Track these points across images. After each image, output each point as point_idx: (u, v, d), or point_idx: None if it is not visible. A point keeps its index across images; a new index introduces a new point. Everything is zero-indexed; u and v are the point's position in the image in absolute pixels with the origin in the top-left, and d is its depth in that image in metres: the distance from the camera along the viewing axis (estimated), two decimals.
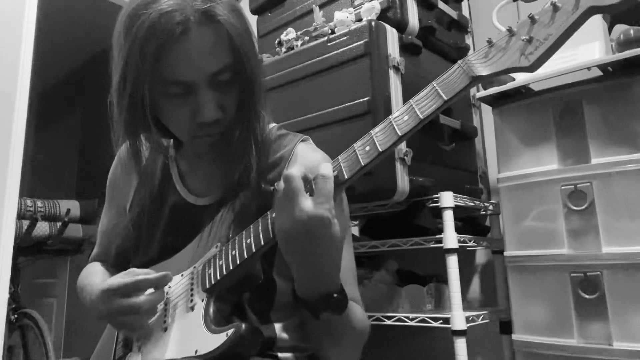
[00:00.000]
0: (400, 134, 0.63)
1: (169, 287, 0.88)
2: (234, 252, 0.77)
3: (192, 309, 0.81)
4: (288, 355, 0.90)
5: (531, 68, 0.56)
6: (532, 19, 0.56)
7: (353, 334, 0.84)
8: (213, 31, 0.77)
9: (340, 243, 0.70)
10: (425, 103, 0.62)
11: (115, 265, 1.07)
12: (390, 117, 0.65)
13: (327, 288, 0.73)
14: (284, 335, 0.90)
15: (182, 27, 0.75)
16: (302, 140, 0.96)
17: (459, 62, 0.62)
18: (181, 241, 0.92)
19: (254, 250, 0.75)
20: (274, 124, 1.01)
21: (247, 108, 0.85)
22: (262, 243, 0.74)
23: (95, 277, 1.00)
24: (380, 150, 0.64)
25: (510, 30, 0.59)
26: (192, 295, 0.82)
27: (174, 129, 0.88)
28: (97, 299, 0.83)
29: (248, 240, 0.76)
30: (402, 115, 0.64)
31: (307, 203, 0.66)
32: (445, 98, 0.61)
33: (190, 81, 0.79)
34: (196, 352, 0.75)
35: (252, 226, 0.77)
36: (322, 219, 0.66)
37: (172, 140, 1.01)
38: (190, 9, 0.75)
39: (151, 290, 0.82)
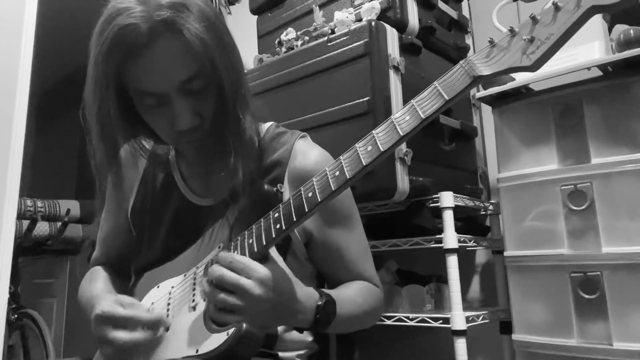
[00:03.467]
0: (402, 134, 0.63)
1: (172, 287, 0.88)
2: (236, 253, 0.78)
3: (193, 308, 0.81)
4: (289, 354, 0.90)
5: (533, 67, 0.57)
6: (533, 19, 0.57)
7: (358, 318, 0.89)
8: (177, 40, 0.77)
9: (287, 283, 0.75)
10: (427, 103, 0.63)
11: (116, 269, 1.07)
12: (392, 117, 0.65)
13: (308, 315, 0.77)
14: (286, 334, 0.90)
15: (146, 38, 0.75)
16: (301, 137, 0.97)
17: (461, 62, 0.62)
18: (184, 242, 0.92)
19: (255, 250, 0.75)
20: (272, 122, 1.01)
21: (222, 113, 0.85)
22: (264, 243, 0.74)
23: (96, 287, 0.99)
24: (382, 149, 0.64)
25: (512, 30, 0.59)
26: (194, 295, 0.83)
27: (160, 136, 0.89)
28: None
29: (250, 241, 0.76)
30: (404, 115, 0.64)
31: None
32: (447, 98, 0.61)
33: (161, 92, 0.79)
34: (197, 351, 0.76)
35: (254, 227, 0.77)
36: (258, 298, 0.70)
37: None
38: (152, 20, 0.75)
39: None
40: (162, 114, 0.82)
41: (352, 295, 0.89)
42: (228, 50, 0.84)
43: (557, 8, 0.55)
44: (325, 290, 0.82)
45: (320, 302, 0.78)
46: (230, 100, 0.83)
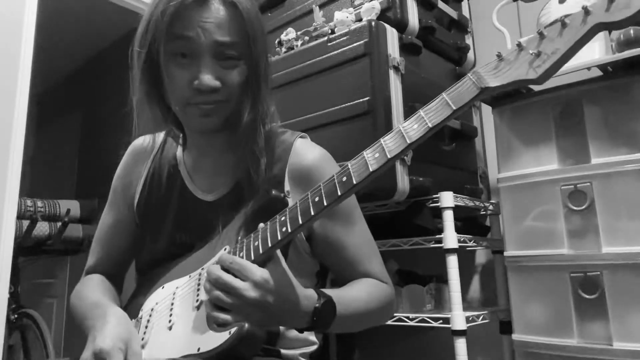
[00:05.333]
0: (409, 142, 0.65)
1: (177, 287, 0.88)
2: (241, 254, 0.78)
3: (197, 308, 0.82)
4: (291, 352, 0.91)
5: (538, 80, 0.58)
6: (540, 34, 0.59)
7: (365, 316, 0.89)
8: (231, 12, 0.86)
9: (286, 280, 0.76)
10: (434, 113, 0.64)
11: (115, 271, 1.06)
12: (399, 125, 0.67)
13: (305, 314, 0.77)
14: (288, 332, 0.91)
15: None
16: (300, 137, 0.98)
17: (469, 74, 0.64)
18: (191, 238, 0.93)
19: (261, 252, 0.75)
20: (274, 123, 1.02)
21: (252, 89, 0.90)
22: (270, 245, 0.74)
23: (95, 294, 0.96)
24: (389, 157, 0.65)
25: (519, 45, 0.61)
26: (198, 295, 0.83)
27: (173, 94, 0.90)
28: None
29: (256, 243, 0.77)
30: (412, 123, 0.66)
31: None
32: (454, 108, 0.63)
33: (196, 38, 0.84)
34: (198, 349, 0.76)
35: (260, 229, 0.78)
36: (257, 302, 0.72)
37: (180, 139, 1.02)
38: None
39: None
40: (188, 67, 0.86)
41: (356, 294, 0.89)
42: (266, 39, 0.93)
43: (564, 25, 0.57)
44: (326, 291, 0.82)
45: (317, 305, 0.78)
46: (262, 83, 0.91)
